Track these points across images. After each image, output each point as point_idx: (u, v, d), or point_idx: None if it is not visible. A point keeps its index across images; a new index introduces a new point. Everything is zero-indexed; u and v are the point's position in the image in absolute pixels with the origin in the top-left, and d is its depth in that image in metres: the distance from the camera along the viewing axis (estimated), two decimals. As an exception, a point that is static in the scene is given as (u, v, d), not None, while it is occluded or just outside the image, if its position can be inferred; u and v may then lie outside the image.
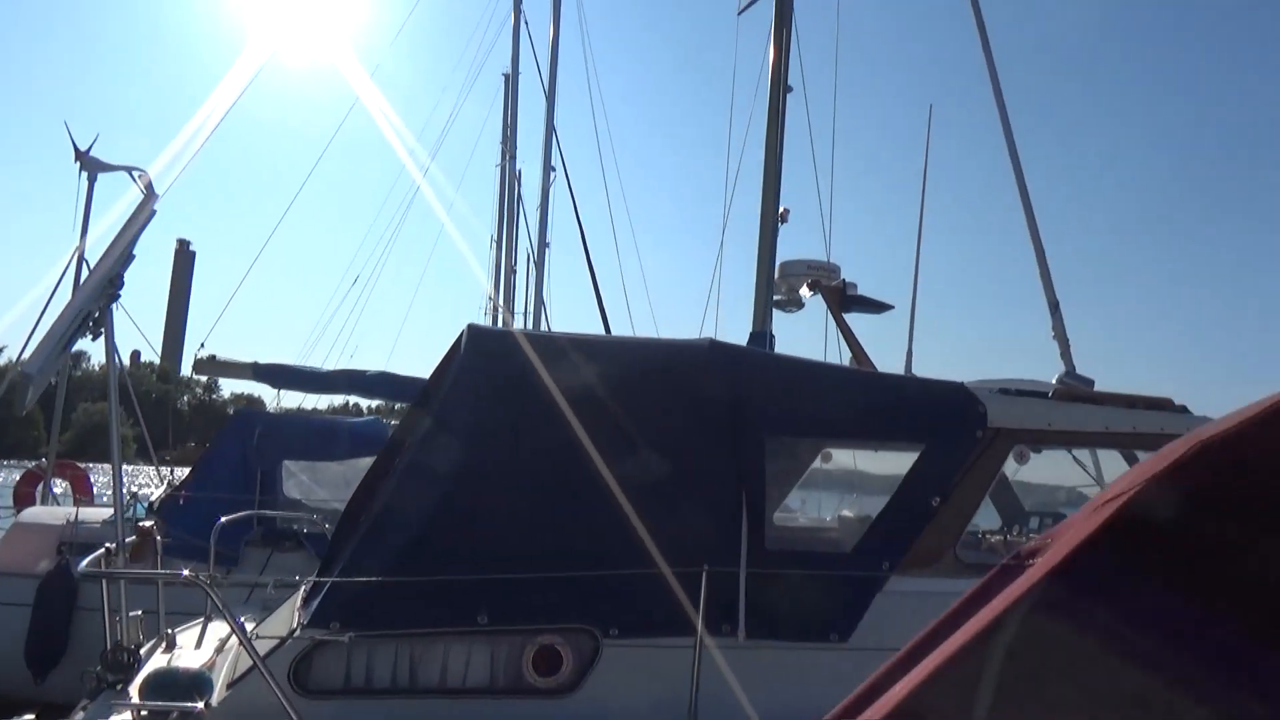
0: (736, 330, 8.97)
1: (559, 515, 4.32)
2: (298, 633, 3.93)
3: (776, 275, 7.47)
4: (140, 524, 5.81)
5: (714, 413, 4.54)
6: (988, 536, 6.00)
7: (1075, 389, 5.35)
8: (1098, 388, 5.76)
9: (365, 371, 10.54)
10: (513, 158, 21.71)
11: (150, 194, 4.61)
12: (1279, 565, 0.72)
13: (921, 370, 7.40)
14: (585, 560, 4.15)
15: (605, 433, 4.39)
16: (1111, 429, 5.04)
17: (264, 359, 10.83)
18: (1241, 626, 0.73)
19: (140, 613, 4.59)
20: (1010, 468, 5.23)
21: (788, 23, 8.74)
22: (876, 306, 6.91)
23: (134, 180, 4.90)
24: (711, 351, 4.76)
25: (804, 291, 7.01)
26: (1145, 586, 0.74)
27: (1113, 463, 6.22)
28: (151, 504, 8.59)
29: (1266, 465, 0.66)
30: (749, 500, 4.36)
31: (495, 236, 22.17)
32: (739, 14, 10.07)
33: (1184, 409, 5.24)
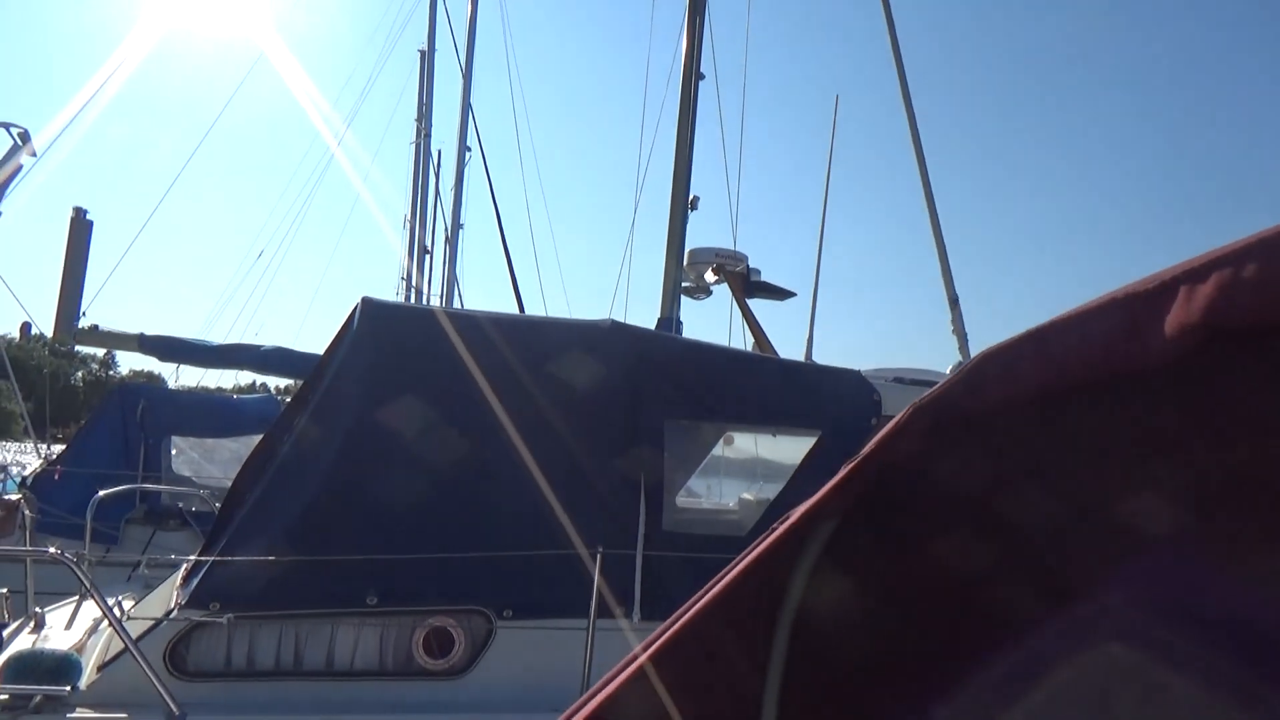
0: (646, 316, 9.00)
1: (452, 495, 4.24)
2: (174, 613, 3.78)
3: (685, 262, 7.50)
4: (4, 498, 5.50)
5: (613, 394, 4.52)
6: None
7: None
8: None
9: (260, 346, 10.14)
10: (428, 136, 21.27)
11: (18, 147, 4.36)
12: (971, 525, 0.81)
13: (821, 357, 7.55)
14: (480, 541, 4.10)
15: (501, 412, 4.33)
16: None
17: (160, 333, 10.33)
18: (942, 583, 0.83)
19: (5, 591, 4.35)
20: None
21: (702, 10, 8.77)
22: (779, 294, 6.98)
23: (9, 133, 4.65)
24: (612, 332, 4.73)
25: (709, 277, 7.04)
26: (866, 543, 0.83)
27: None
28: (24, 479, 8.15)
29: (966, 425, 0.72)
30: (647, 482, 4.36)
31: (408, 216, 21.68)
32: (655, -1, 10.09)
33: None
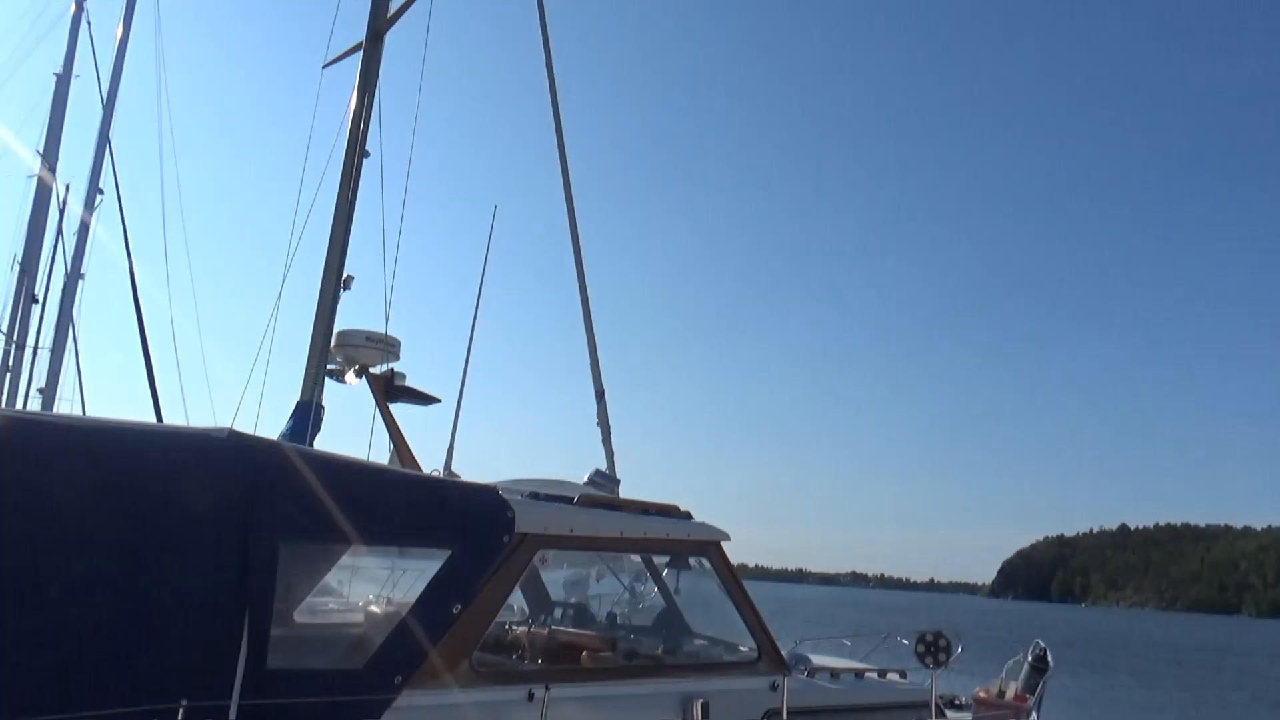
0: (291, 394, 8.40)
1: (11, 639, 3.60)
2: None
3: (333, 344, 7.13)
4: None
5: (222, 515, 4.09)
6: (513, 628, 6.15)
7: (597, 495, 5.71)
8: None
9: None
10: (53, 170, 18.81)
11: None
12: None
13: (465, 464, 7.46)
14: (41, 695, 3.50)
15: (80, 539, 3.77)
16: (626, 534, 5.44)
17: None
18: None
19: None
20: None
21: (372, 86, 8.57)
22: (423, 399, 6.86)
23: None
24: (228, 445, 4.31)
25: (349, 378, 6.76)
26: None
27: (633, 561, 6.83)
28: None
29: None
30: (252, 616, 3.97)
31: (19, 258, 18.82)
32: (324, 67, 9.71)
33: (688, 515, 5.83)
